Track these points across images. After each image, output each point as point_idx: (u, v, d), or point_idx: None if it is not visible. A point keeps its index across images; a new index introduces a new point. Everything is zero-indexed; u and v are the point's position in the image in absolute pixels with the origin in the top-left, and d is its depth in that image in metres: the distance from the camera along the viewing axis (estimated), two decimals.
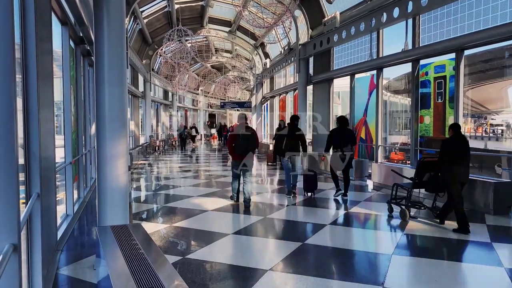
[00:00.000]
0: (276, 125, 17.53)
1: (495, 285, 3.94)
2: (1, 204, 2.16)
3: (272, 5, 14.29)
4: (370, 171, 10.51)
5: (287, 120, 9.73)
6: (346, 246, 5.20)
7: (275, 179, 11.54)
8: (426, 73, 10.46)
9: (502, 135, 15.64)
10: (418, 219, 6.35)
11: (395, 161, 12.04)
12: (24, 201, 3.23)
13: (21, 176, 3.16)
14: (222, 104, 33.51)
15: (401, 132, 15.58)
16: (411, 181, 6.36)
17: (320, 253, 4.89)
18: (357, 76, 12.12)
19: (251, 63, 25.14)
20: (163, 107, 27.58)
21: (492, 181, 6.74)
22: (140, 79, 20.58)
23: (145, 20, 17.51)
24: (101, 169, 4.24)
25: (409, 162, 9.75)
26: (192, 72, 30.33)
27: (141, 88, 20.75)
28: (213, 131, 38.22)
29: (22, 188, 3.17)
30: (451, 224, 5.82)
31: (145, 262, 2.28)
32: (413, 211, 6.69)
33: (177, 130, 25.99)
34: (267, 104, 23.79)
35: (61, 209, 5.82)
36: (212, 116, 44.03)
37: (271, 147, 15.60)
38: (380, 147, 10.60)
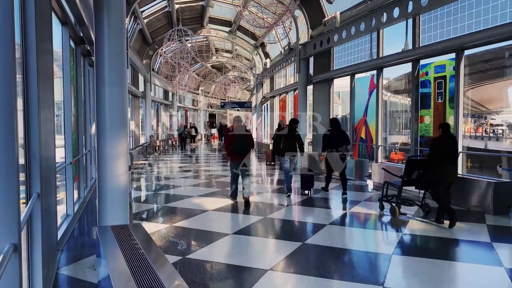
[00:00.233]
0: (276, 125, 17.54)
1: (495, 285, 3.94)
2: (2, 204, 2.15)
3: (272, 5, 14.28)
4: (370, 171, 10.52)
5: (287, 122, 9.77)
6: (346, 246, 5.21)
7: (275, 179, 11.55)
8: (426, 73, 10.48)
9: (502, 135, 15.64)
10: (418, 219, 6.36)
11: (395, 161, 12.05)
12: (24, 201, 3.23)
13: (22, 176, 3.16)
14: (222, 104, 33.46)
15: (401, 132, 15.60)
16: (401, 179, 6.51)
17: (320, 253, 4.89)
18: (357, 76, 12.13)
19: (251, 63, 25.12)
20: (163, 107, 27.59)
21: (492, 181, 6.74)
22: (141, 79, 20.58)
23: (145, 20, 17.51)
24: (101, 169, 4.24)
25: None
26: (192, 72, 30.31)
27: (141, 88, 20.75)
28: (214, 131, 38.27)
29: (22, 188, 3.18)
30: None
31: (146, 262, 2.28)
32: (411, 210, 6.77)
33: (177, 130, 25.98)
34: (267, 104, 23.80)
35: (61, 209, 5.83)
36: (212, 116, 44.05)
37: (271, 147, 15.61)
38: (380, 147, 10.60)
